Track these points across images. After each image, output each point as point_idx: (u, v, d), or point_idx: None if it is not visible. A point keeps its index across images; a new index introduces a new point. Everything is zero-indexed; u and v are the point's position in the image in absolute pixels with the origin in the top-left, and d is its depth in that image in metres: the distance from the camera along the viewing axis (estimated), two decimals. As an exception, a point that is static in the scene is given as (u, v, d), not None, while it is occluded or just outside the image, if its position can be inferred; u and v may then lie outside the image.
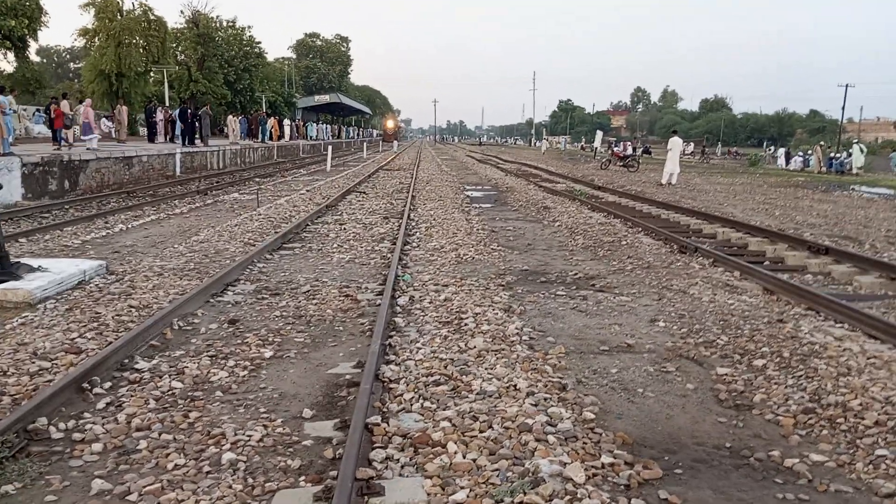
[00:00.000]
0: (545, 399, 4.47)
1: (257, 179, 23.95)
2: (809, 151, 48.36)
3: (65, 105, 24.51)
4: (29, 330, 5.79)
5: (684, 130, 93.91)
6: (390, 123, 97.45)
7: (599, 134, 58.72)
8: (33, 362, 5.00)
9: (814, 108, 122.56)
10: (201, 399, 4.48)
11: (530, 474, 3.47)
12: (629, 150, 41.66)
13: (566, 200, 17.93)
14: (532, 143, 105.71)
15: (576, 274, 8.70)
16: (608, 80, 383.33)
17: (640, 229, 12.40)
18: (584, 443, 3.91)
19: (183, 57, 50.18)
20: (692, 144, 64.16)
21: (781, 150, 55.30)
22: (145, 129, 33.41)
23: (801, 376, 5.01)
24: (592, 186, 22.74)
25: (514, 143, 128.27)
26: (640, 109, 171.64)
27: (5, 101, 17.71)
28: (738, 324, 6.35)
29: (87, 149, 20.83)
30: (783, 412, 4.44)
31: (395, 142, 79.04)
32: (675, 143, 25.27)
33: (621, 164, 35.41)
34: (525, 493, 3.28)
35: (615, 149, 44.56)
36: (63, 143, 21.35)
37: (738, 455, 3.92)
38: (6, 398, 4.39)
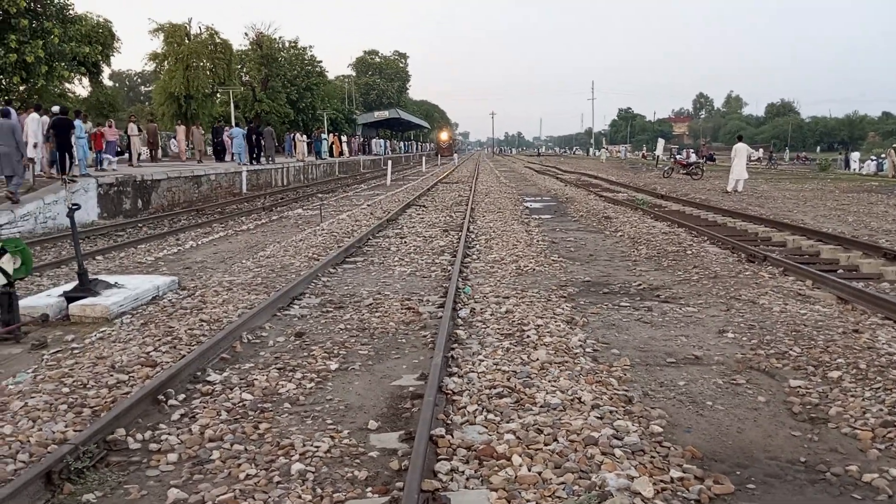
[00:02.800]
0: (611, 412, 4.41)
1: (320, 195, 24.43)
2: (883, 155, 46.45)
3: (132, 128, 25.60)
4: (107, 344, 6.04)
5: (750, 136, 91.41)
6: (444, 135, 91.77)
7: (661, 142, 57.73)
8: (111, 375, 5.21)
9: (887, 109, 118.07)
10: (271, 411, 4.59)
11: (597, 488, 3.43)
12: (692, 158, 40.77)
13: (628, 210, 17.69)
14: (589, 153, 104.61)
15: (639, 284, 8.57)
16: (669, 88, 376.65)
17: (706, 238, 12.13)
18: (652, 457, 3.84)
19: (247, 78, 51.63)
20: (761, 150, 62.30)
21: (855, 154, 53.28)
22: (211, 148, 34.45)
23: (879, 388, 4.82)
24: (655, 195, 22.38)
25: (574, 153, 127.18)
26: (702, 116, 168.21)
27: (80, 126, 18.56)
28: (812, 334, 6.14)
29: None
30: (861, 425, 4.27)
31: (455, 155, 77.22)
32: (741, 149, 24.63)
33: (684, 172, 34.73)
34: (592, 507, 3.24)
35: (678, 156, 43.75)
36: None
37: (814, 470, 3.79)
38: (87, 410, 4.59)
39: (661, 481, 3.57)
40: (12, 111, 15.28)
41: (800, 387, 4.94)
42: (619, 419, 4.29)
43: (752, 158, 49.66)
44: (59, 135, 16.65)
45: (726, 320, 6.80)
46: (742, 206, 18.14)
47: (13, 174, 13.75)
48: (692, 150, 51.44)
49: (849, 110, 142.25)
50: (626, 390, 4.89)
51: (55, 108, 17.00)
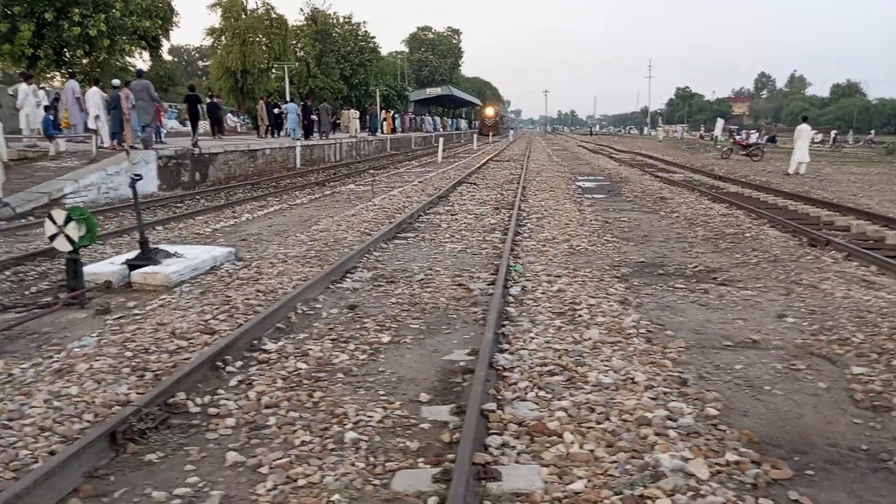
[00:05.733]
0: (664, 393, 4.36)
1: (372, 171, 24.56)
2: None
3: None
4: (167, 311, 6.21)
5: (813, 117, 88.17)
6: (489, 111, 78.78)
7: (720, 122, 56.02)
8: (172, 341, 5.37)
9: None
10: (325, 380, 4.67)
11: (650, 468, 3.40)
12: (752, 139, 39.62)
13: (684, 191, 17.32)
14: (644, 132, 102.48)
15: (696, 266, 8.40)
16: (729, 66, 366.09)
17: (766, 221, 11.81)
18: (707, 439, 3.78)
19: (302, 53, 52.00)
20: (833, 132, 59.96)
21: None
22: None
23: (948, 379, 4.64)
24: (713, 176, 21.86)
25: (628, 133, 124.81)
26: (764, 96, 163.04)
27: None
28: (876, 321, 5.94)
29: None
30: (928, 416, 4.13)
31: (511, 132, 71.56)
32: (804, 130, 23.79)
33: (744, 153, 33.79)
34: (646, 487, 3.21)
35: (737, 137, 42.59)
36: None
37: (876, 458, 3.68)
38: (149, 374, 4.74)
39: (717, 464, 3.52)
40: (143, 71, 19.40)
41: (862, 374, 4.80)
42: (673, 400, 4.24)
43: (815, 141, 47.92)
44: (191, 108, 22.60)
45: (786, 305, 6.63)
46: (804, 189, 17.58)
47: (146, 125, 16.99)
48: (752, 131, 49.89)
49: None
50: (680, 372, 4.81)
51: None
